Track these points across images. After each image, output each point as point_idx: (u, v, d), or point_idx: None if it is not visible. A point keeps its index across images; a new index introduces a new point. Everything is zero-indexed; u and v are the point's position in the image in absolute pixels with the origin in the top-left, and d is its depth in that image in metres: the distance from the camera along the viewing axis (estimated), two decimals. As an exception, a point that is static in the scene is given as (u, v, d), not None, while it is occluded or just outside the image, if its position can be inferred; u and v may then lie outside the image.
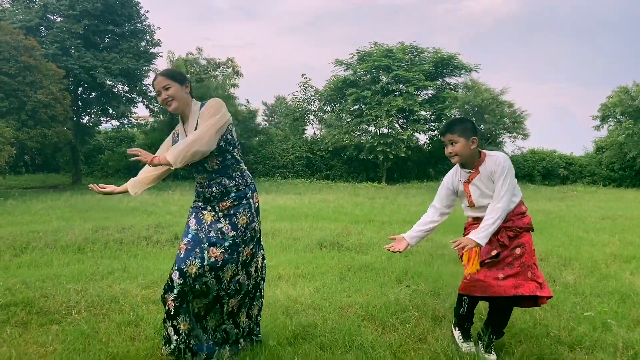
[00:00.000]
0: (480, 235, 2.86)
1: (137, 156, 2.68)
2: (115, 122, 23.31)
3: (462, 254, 3.06)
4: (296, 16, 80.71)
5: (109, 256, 6.06)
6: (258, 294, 3.15)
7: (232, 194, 2.91)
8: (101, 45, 20.47)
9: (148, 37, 21.80)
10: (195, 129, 2.81)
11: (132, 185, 3.20)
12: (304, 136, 27.81)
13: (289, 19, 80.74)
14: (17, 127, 15.95)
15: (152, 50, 22.01)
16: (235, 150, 2.94)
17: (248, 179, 3.00)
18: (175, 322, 2.78)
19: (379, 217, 10.06)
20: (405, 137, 23.02)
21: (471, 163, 3.03)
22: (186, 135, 2.87)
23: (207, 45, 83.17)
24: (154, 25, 21.87)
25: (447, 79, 26.04)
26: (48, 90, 16.71)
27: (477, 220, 3.07)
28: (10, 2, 20.34)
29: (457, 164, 3.10)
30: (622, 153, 23.00)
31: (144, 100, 22.71)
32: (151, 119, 25.04)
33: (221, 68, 27.13)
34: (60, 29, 19.06)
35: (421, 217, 3.19)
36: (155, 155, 2.79)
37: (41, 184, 20.87)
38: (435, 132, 26.47)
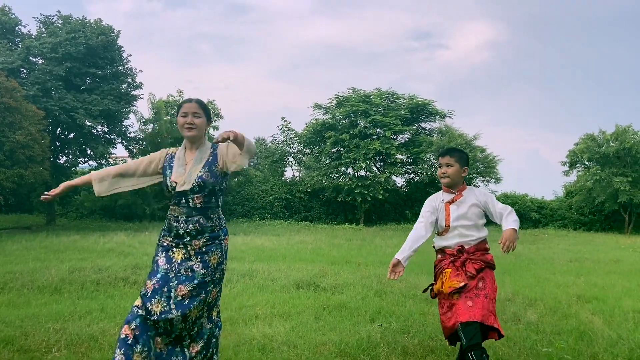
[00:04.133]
0: (510, 221, 3.19)
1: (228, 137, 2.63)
2: (93, 163, 23.31)
3: (434, 294, 3.34)
4: (276, 60, 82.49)
5: (86, 297, 6.10)
6: (212, 341, 3.05)
7: (207, 234, 2.94)
8: (82, 87, 20.70)
9: (129, 80, 22.14)
10: (213, 160, 2.96)
11: (98, 178, 3.11)
12: (283, 178, 28.10)
13: (269, 63, 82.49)
14: (-6, 167, 15.89)
15: (134, 92, 22.32)
16: (222, 196, 3.06)
17: (223, 222, 3.07)
18: (129, 351, 2.69)
19: (355, 258, 10.26)
20: (383, 180, 23.51)
21: (456, 187, 3.42)
22: (186, 163, 2.98)
23: (188, 87, 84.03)
24: (135, 68, 22.28)
25: (423, 124, 26.87)
26: (27, 131, 16.75)
27: (445, 254, 3.32)
28: (-7, 43, 20.58)
29: (441, 190, 3.45)
30: (590, 198, 23.75)
31: (123, 141, 22.84)
32: (129, 159, 25.09)
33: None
34: (42, 71, 19.27)
35: (409, 237, 3.33)
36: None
37: (14, 224, 20.55)
38: (412, 175, 27.09)
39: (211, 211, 2.98)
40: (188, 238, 2.93)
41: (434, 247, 3.52)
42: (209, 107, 3.31)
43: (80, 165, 23.63)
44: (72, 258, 9.35)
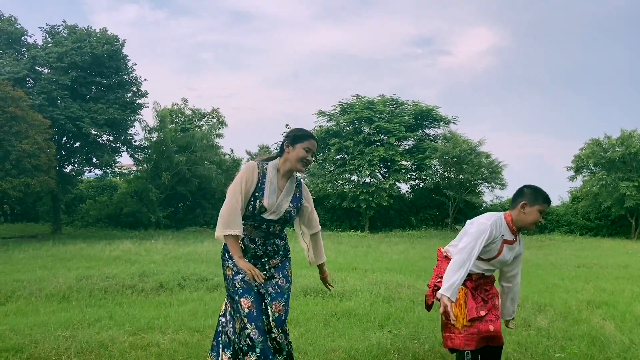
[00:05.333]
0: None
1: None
2: (98, 171, 23.39)
3: (432, 302, 3.26)
4: (280, 68, 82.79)
5: (94, 304, 6.10)
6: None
7: (281, 252, 3.05)
8: (88, 96, 20.80)
9: (135, 89, 22.22)
10: (299, 197, 3.04)
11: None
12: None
13: (273, 71, 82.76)
14: (1, 176, 15.96)
15: (139, 101, 22.39)
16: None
17: (287, 238, 3.16)
18: None
19: (362, 265, 10.22)
20: (387, 186, 23.47)
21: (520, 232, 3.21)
22: (277, 190, 2.90)
23: (192, 95, 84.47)
24: (140, 77, 22.36)
25: (427, 130, 26.85)
26: (33, 140, 16.84)
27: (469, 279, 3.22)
28: (-1, 54, 20.73)
29: (503, 219, 3.12)
30: (597, 203, 23.62)
31: (129, 150, 22.92)
32: (134, 168, 25.18)
33: (206, 118, 27.65)
34: (47, 81, 19.38)
35: (461, 268, 2.96)
36: None
37: (21, 233, 20.61)
38: (417, 181, 27.05)
39: (284, 232, 3.10)
40: (266, 259, 2.98)
41: (439, 252, 3.40)
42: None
43: (85, 174, 23.75)
44: (79, 266, 9.36)
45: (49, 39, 20.80)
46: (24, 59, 20.24)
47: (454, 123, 25.84)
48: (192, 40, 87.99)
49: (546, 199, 3.04)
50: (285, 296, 2.95)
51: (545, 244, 18.55)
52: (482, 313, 3.07)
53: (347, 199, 23.88)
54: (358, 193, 23.37)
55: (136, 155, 23.37)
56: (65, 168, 21.89)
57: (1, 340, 4.12)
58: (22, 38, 20.90)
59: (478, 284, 3.20)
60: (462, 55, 77.05)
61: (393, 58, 78.29)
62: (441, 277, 3.16)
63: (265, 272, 2.94)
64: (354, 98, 25.98)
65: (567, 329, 4.89)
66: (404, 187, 26.87)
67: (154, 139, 24.02)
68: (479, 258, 3.09)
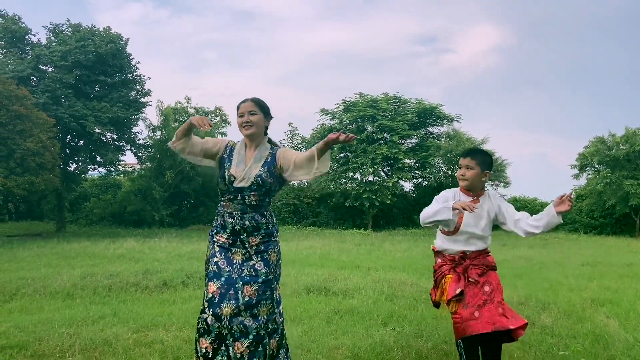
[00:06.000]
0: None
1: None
2: (102, 170, 23.44)
3: (435, 298, 3.31)
4: (283, 67, 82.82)
5: (98, 302, 6.12)
6: (285, 334, 3.14)
7: (262, 231, 2.99)
8: (91, 95, 20.83)
9: (138, 87, 22.24)
10: (272, 161, 3.01)
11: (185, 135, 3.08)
12: (290, 183, 28.11)
13: (276, 70, 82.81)
14: (5, 174, 16.02)
15: (142, 99, 22.41)
16: (274, 196, 3.13)
17: (274, 220, 3.13)
18: None
19: (365, 263, 10.22)
20: (391, 185, 23.43)
21: (474, 191, 3.31)
22: (245, 159, 3.01)
23: (195, 94, 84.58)
24: (144, 76, 22.37)
25: (430, 129, 26.78)
26: (38, 139, 16.89)
27: (446, 258, 3.29)
28: (3, 52, 20.77)
29: (458, 188, 3.35)
30: (601, 201, 23.57)
31: (132, 148, 22.97)
32: (138, 167, 25.25)
33: (209, 117, 27.67)
34: (51, 79, 19.42)
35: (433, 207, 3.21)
36: None
37: (25, 231, 20.68)
38: (420, 179, 27.01)
39: (264, 208, 3.05)
40: (245, 235, 2.97)
41: (433, 249, 3.44)
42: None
43: (90, 172, 23.82)
44: (83, 264, 9.39)
45: (52, 38, 20.84)
46: (28, 57, 20.29)
47: (457, 121, 25.80)
48: (196, 39, 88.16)
49: (460, 154, 3.36)
50: (260, 280, 2.90)
51: (550, 242, 18.50)
52: (457, 291, 3.09)
53: (350, 197, 23.87)
54: (361, 191, 23.35)
55: (140, 154, 23.40)
56: (70, 166, 21.94)
57: (5, 337, 4.13)
58: (26, 37, 20.93)
59: (465, 267, 3.19)
60: (465, 54, 76.94)
61: (396, 56, 78.24)
62: (436, 271, 3.33)
63: (244, 252, 2.96)
64: (357, 96, 25.95)
65: (571, 326, 4.88)
66: (407, 186, 26.87)
67: (158, 137, 24.06)
68: (447, 234, 3.27)
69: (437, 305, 3.39)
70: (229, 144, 3.14)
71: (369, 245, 15.29)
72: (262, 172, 2.98)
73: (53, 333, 4.30)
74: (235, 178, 2.98)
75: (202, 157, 3.13)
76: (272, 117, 3.18)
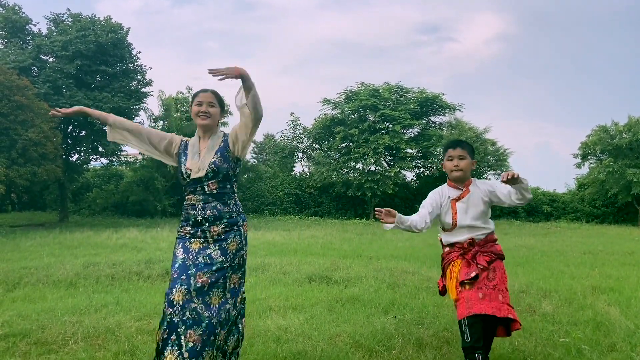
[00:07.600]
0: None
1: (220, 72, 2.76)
2: (104, 160, 23.46)
3: (442, 288, 3.34)
4: (284, 56, 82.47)
5: (101, 291, 6.15)
6: (234, 328, 3.06)
7: (225, 220, 2.97)
8: (93, 85, 20.80)
9: (139, 77, 22.17)
10: (224, 146, 3.04)
11: (113, 124, 3.16)
12: (292, 173, 28.13)
13: (277, 59, 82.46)
14: (7, 165, 16.04)
15: (143, 89, 22.36)
16: (235, 182, 3.11)
17: (240, 209, 3.11)
18: (162, 357, 2.73)
19: (366, 252, 10.25)
20: (392, 174, 23.42)
21: (463, 182, 3.31)
22: (199, 151, 3.05)
23: (197, 84, 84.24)
24: (145, 66, 22.29)
25: (432, 118, 26.72)
26: (39, 129, 16.89)
27: (453, 248, 3.30)
28: (4, 43, 20.71)
29: (445, 185, 3.38)
30: (603, 190, 23.54)
31: (134, 138, 22.93)
32: (140, 157, 25.24)
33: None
34: (52, 69, 19.38)
35: (412, 217, 3.37)
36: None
37: (28, 221, 20.76)
38: (422, 169, 26.98)
39: (227, 197, 3.03)
40: (207, 224, 2.96)
41: (441, 241, 3.48)
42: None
43: (92, 162, 23.83)
44: (86, 253, 9.43)
45: (53, 28, 20.76)
46: (29, 47, 20.23)
47: (459, 110, 25.73)
48: (197, 29, 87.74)
49: (447, 145, 3.38)
50: (214, 268, 2.88)
51: (551, 231, 18.51)
52: (472, 274, 3.10)
53: (352, 187, 23.88)
54: (363, 181, 23.36)
55: (142, 144, 23.38)
56: (72, 157, 21.97)
57: (9, 325, 4.16)
58: (27, 27, 20.85)
59: (474, 253, 3.22)
60: (468, 43, 76.51)
61: (398, 46, 77.83)
62: (444, 258, 3.38)
63: (202, 241, 2.95)
64: (359, 86, 25.86)
65: (572, 314, 4.89)
66: (409, 175, 26.88)
67: (159, 127, 24.04)
68: (447, 231, 3.34)
69: (443, 293, 3.41)
70: (183, 140, 3.18)
71: (370, 234, 15.31)
72: (215, 159, 3.00)
73: (56, 321, 4.33)
74: (191, 171, 3.01)
75: (147, 147, 3.19)
76: (226, 114, 3.20)
